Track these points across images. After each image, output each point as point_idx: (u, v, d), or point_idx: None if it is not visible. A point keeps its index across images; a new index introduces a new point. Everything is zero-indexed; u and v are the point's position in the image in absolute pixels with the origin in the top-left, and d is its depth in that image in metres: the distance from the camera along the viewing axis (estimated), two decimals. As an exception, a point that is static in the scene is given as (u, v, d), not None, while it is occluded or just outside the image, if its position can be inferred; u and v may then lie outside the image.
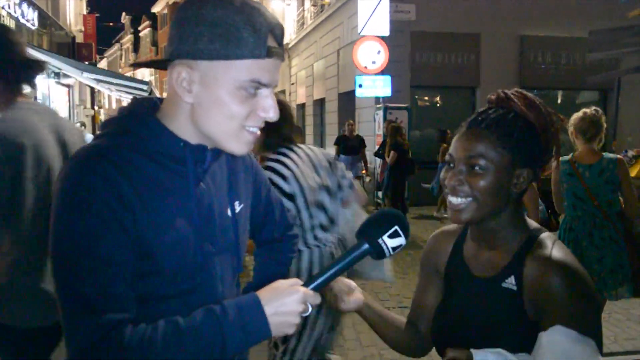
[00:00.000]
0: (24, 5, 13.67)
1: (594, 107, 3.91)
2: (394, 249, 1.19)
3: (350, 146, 9.99)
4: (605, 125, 3.87)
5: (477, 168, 1.25)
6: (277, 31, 1.13)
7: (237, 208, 1.32)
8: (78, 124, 15.15)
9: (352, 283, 1.47)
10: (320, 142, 18.02)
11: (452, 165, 1.30)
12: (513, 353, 1.17)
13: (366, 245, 1.19)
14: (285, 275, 1.62)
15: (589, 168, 3.74)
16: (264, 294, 1.12)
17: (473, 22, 12.50)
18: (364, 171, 10.44)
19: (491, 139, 1.25)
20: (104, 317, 1.03)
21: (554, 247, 1.25)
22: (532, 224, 1.34)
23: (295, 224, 1.72)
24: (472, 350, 1.16)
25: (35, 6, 14.79)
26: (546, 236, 1.29)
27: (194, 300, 1.16)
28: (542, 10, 12.53)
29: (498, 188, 1.25)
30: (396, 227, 1.19)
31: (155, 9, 48.95)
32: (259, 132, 1.18)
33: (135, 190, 1.09)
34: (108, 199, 1.05)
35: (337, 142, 10.32)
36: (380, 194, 11.43)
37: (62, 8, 19.91)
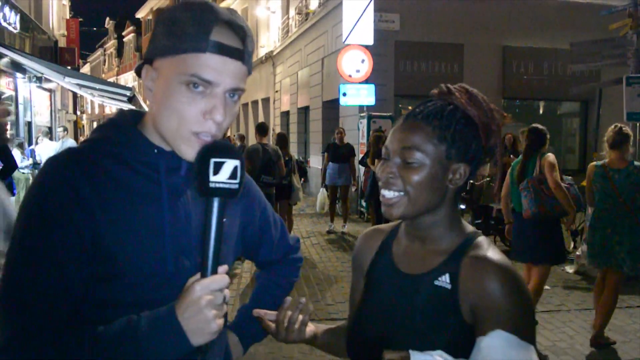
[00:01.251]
0: (6, 8, 13.50)
1: (620, 124, 4.87)
2: (232, 176, 1.04)
3: (339, 154, 9.94)
4: (631, 135, 4.85)
5: (411, 161, 1.19)
6: (229, 28, 1.09)
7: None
8: (61, 129, 14.98)
9: (304, 315, 1.38)
10: (305, 150, 18.01)
11: (387, 158, 1.24)
12: (448, 353, 1.13)
13: (212, 199, 1.04)
14: (280, 299, 1.49)
15: (617, 172, 4.73)
16: (177, 300, 1.05)
17: (457, 33, 12.62)
18: (353, 182, 10.41)
19: (427, 130, 1.19)
20: (33, 319, 1.03)
21: (491, 250, 1.21)
22: (468, 227, 1.29)
23: (298, 247, 1.63)
24: (411, 352, 1.11)
25: (17, 9, 14.62)
26: (483, 239, 1.25)
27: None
28: (525, 21, 12.69)
29: (432, 183, 1.19)
30: (214, 161, 1.03)
31: (140, 14, 48.70)
32: (212, 138, 1.11)
33: (97, 194, 1.09)
34: (65, 200, 1.07)
35: (327, 150, 10.29)
36: (363, 202, 11.45)
37: (45, 12, 19.71)
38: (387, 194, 1.22)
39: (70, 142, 12.51)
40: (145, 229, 1.13)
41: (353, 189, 11.02)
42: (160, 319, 1.04)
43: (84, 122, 36.00)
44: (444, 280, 1.21)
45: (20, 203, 1.12)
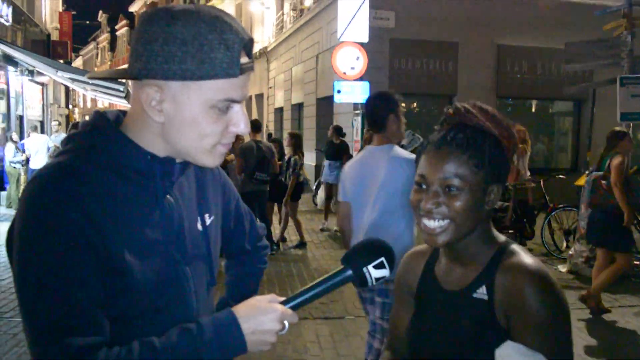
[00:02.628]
0: (-2, 1, 13.38)
1: None
2: (377, 279, 1.18)
3: (335, 151, 9.96)
4: None
5: (453, 189, 1.22)
6: (248, 46, 1.10)
7: (208, 221, 1.30)
8: (55, 122, 14.87)
9: None
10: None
11: (423, 186, 1.26)
12: None
13: (349, 272, 1.18)
14: (257, 287, 1.64)
15: None
16: (241, 310, 1.11)
17: (451, 31, 12.62)
18: None
19: (463, 158, 1.22)
20: (75, 341, 0.99)
21: (525, 257, 1.24)
22: (500, 236, 1.33)
23: (264, 235, 1.70)
24: None
25: (9, 2, 14.49)
26: (516, 247, 1.29)
27: (168, 317, 1.14)
28: (520, 20, 12.71)
29: (474, 207, 1.23)
30: (382, 259, 1.18)
31: (133, 8, 48.43)
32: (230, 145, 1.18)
33: (102, 207, 1.06)
34: (75, 218, 1.02)
35: (324, 148, 10.36)
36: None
37: (37, 5, 19.55)
38: (431, 223, 1.25)
39: (63, 137, 12.41)
40: (146, 237, 1.12)
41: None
42: (224, 328, 1.08)
43: (76, 116, 35.79)
44: (482, 292, 1.25)
45: (20, 227, 1.04)
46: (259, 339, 1.09)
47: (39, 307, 1.01)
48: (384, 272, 1.18)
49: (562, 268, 7.29)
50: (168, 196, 1.18)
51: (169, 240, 1.16)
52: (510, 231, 8.30)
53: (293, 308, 1.15)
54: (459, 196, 1.22)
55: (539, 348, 1.14)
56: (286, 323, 1.12)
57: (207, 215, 1.29)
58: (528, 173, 9.26)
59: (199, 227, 1.26)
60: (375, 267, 1.17)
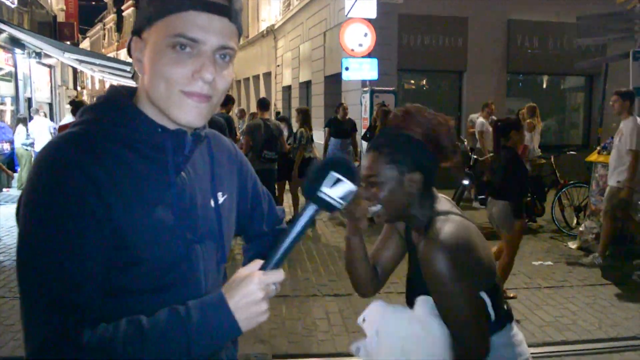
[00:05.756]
0: (3, -17, 13.32)
1: None
2: (342, 197, 1.07)
3: (342, 129, 9.80)
4: None
5: (376, 183, 1.60)
6: None
7: (221, 199, 1.27)
8: (68, 106, 14.86)
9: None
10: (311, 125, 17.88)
11: (363, 184, 1.62)
12: None
13: (311, 204, 1.09)
14: None
15: None
16: (226, 289, 1.06)
17: (461, 6, 12.42)
18: (356, 157, 10.34)
19: (380, 158, 1.60)
20: (65, 316, 0.97)
21: (442, 228, 1.53)
22: (439, 209, 1.63)
23: (284, 218, 1.65)
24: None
25: (14, -17, 14.42)
26: (442, 219, 1.58)
27: (175, 294, 1.12)
28: (530, -6, 12.48)
29: (395, 194, 1.60)
30: (333, 174, 1.07)
31: (139, -12, 48.02)
32: (206, 100, 1.10)
33: (110, 179, 1.04)
34: (80, 188, 1.00)
35: (328, 125, 10.17)
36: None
37: (42, -14, 19.44)
38: (373, 208, 1.64)
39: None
40: (156, 213, 1.10)
41: (356, 164, 10.95)
42: (212, 308, 1.02)
43: (85, 97, 35.86)
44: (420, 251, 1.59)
45: (26, 193, 1.03)
46: (248, 312, 1.03)
47: (30, 276, 1.00)
48: (345, 187, 1.07)
49: (572, 245, 7.25)
50: (182, 172, 1.16)
51: (179, 217, 1.13)
52: (520, 208, 8.25)
53: (275, 266, 1.07)
54: (381, 187, 1.60)
55: (437, 306, 1.52)
56: (272, 285, 1.07)
57: (220, 193, 1.27)
58: (539, 149, 9.19)
59: (212, 204, 1.23)
60: (331, 186, 1.07)
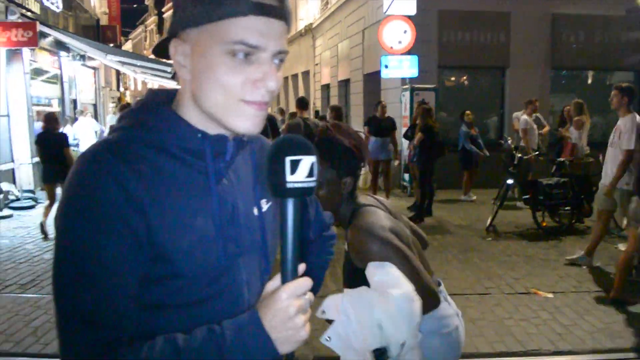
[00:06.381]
0: (49, -12, 13.66)
1: None
2: (310, 175, 0.98)
3: (381, 128, 9.68)
4: None
5: (317, 184, 1.57)
6: None
7: (264, 207, 1.20)
8: (112, 104, 15.12)
9: None
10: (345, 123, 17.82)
11: None
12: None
13: (288, 200, 0.99)
14: (321, 279, 1.54)
15: None
16: (259, 307, 1.00)
17: (503, 1, 12.13)
18: (396, 156, 10.21)
19: (322, 162, 1.76)
20: (101, 333, 0.94)
21: (360, 217, 1.87)
22: (363, 201, 1.98)
23: (332, 224, 1.60)
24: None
25: (59, -12, 14.78)
26: (362, 210, 1.91)
27: (216, 307, 1.07)
28: (576, -13, 12.09)
29: (330, 193, 1.89)
30: (288, 159, 0.97)
31: (179, -11, 48.81)
32: (265, 107, 1.05)
33: (147, 189, 0.99)
34: (115, 199, 0.96)
35: (367, 123, 10.08)
36: (407, 176, 11.25)
37: (86, -10, 19.90)
38: None
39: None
40: (196, 223, 1.05)
41: (396, 163, 10.82)
42: (246, 329, 0.97)
43: (128, 98, 36.63)
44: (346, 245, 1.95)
45: (61, 202, 1.00)
46: (284, 330, 0.97)
47: (64, 292, 0.96)
48: (306, 164, 0.97)
49: (622, 247, 6.96)
50: (223, 179, 1.10)
51: (221, 227, 1.07)
52: (567, 208, 8.00)
53: (294, 275, 1.00)
54: (320, 188, 1.84)
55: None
56: (303, 296, 0.99)
57: (264, 201, 1.20)
58: (587, 148, 8.89)
59: (255, 212, 1.17)
60: (293, 172, 0.97)
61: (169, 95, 1.14)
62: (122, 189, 0.96)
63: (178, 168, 1.05)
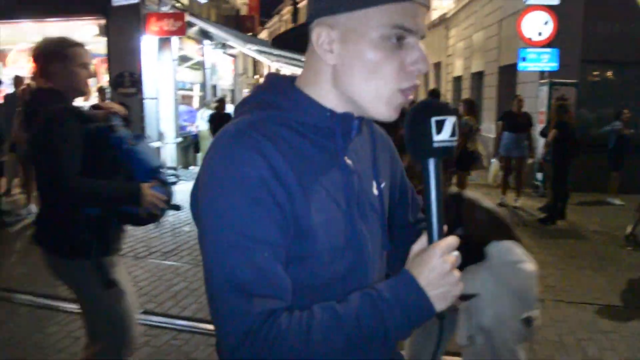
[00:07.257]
0: (197, -20, 14.60)
1: None
2: (452, 134, 1.01)
3: (517, 123, 9.23)
4: None
5: None
6: None
7: (382, 185, 1.22)
8: (246, 90, 15.79)
9: None
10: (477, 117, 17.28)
11: None
12: None
13: (430, 160, 1.02)
14: None
15: None
16: (411, 267, 1.01)
17: (662, -12, 11.07)
18: (531, 153, 9.72)
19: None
20: (261, 303, 0.94)
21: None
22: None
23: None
24: None
25: (206, -19, 15.73)
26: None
27: (346, 285, 1.07)
28: None
29: None
30: (435, 119, 1.00)
31: (315, -20, 49.71)
32: (412, 96, 1.07)
33: (290, 165, 1.00)
34: (263, 173, 0.97)
35: (502, 118, 9.67)
36: (540, 175, 10.69)
37: (229, -18, 20.97)
38: None
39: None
40: (329, 201, 1.06)
41: (529, 161, 10.28)
42: (403, 288, 0.98)
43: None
44: None
45: (207, 178, 1.01)
46: (440, 286, 0.97)
47: (223, 269, 0.96)
48: (450, 124, 1.01)
49: None
50: (346, 158, 1.10)
51: (350, 203, 1.09)
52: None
53: (440, 233, 1.03)
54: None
55: None
56: (452, 253, 1.00)
57: (381, 179, 1.22)
58: None
59: (375, 192, 1.18)
60: (439, 131, 1.00)
61: (289, 77, 1.16)
62: (268, 165, 0.98)
63: (308, 145, 1.07)
